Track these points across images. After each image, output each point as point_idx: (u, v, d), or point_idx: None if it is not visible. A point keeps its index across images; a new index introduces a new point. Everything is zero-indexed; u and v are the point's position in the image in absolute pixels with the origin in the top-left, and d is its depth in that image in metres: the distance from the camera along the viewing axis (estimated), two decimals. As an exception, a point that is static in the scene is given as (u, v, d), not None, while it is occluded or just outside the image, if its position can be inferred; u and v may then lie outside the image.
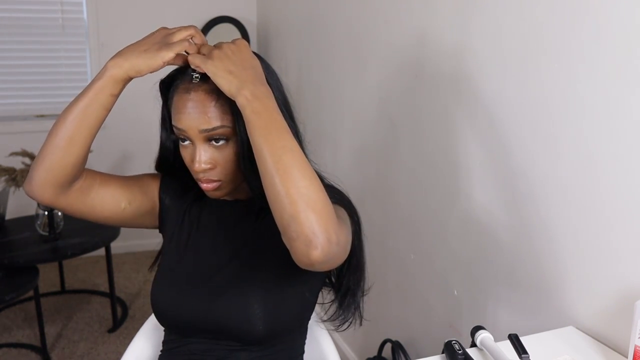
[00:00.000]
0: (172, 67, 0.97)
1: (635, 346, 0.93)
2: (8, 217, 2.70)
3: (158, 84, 1.00)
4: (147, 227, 1.14)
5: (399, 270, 1.92)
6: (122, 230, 2.68)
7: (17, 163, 2.57)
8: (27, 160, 2.54)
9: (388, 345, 1.93)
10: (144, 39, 0.91)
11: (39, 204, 2.49)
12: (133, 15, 3.23)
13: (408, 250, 1.85)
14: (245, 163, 0.93)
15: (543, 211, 1.24)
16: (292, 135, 0.81)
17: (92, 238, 2.57)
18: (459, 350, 0.97)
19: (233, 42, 0.90)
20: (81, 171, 0.97)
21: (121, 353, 1.25)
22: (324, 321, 1.10)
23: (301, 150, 0.81)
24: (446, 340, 1.01)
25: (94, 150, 1.00)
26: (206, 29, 3.34)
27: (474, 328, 1.05)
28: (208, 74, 0.85)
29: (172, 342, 1.08)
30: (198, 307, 1.00)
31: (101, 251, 2.68)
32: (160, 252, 1.15)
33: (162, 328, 1.13)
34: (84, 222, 2.70)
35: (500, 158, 1.37)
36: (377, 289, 1.83)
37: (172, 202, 1.11)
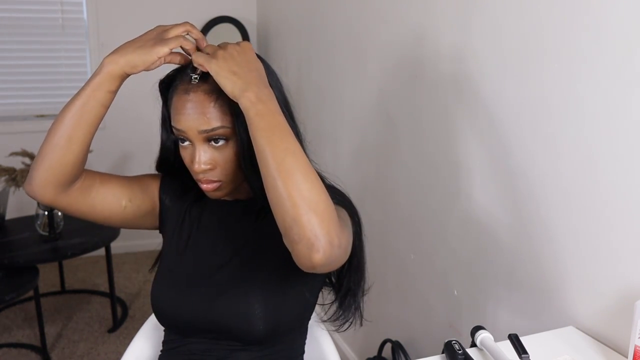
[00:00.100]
0: (171, 67, 0.97)
1: (635, 346, 0.93)
2: (8, 217, 2.70)
3: (158, 84, 1.00)
4: (147, 228, 1.14)
5: (399, 270, 1.92)
6: (122, 230, 2.68)
7: (17, 163, 2.57)
8: (27, 160, 2.54)
9: (388, 345, 1.93)
10: (140, 36, 0.92)
11: (39, 204, 2.49)
12: (133, 15, 3.23)
13: (408, 250, 1.85)
14: (246, 163, 0.93)
15: (543, 211, 1.24)
16: (295, 137, 0.81)
17: (92, 238, 2.57)
18: (459, 350, 0.97)
19: (238, 43, 0.90)
20: (81, 170, 0.97)
21: (121, 353, 1.25)
22: (324, 321, 1.10)
23: (304, 153, 0.81)
24: (446, 340, 1.01)
25: (94, 150, 1.00)
26: (206, 29, 3.34)
27: (474, 328, 1.05)
28: (211, 73, 0.85)
29: (172, 342, 1.08)
30: (198, 307, 1.00)
31: (101, 251, 2.68)
32: (160, 253, 1.15)
33: (162, 328, 1.13)
34: (84, 222, 2.70)
35: (501, 158, 1.37)
36: (377, 289, 1.83)
37: (173, 202, 1.11)
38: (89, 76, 3.45)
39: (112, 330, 2.67)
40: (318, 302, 1.10)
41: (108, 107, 0.93)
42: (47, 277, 3.10)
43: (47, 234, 2.52)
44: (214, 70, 0.84)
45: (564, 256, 1.20)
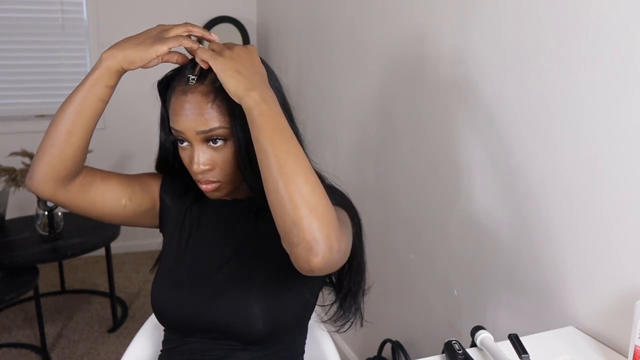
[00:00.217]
0: (171, 67, 0.97)
1: (635, 346, 0.93)
2: (8, 217, 2.70)
3: (156, 84, 1.00)
4: (147, 226, 1.14)
5: (399, 270, 1.92)
6: (122, 230, 2.68)
7: (17, 163, 2.57)
8: (27, 160, 2.54)
9: (388, 345, 1.93)
10: (140, 33, 0.92)
11: (39, 204, 2.49)
12: (133, 15, 3.23)
13: (408, 250, 1.85)
14: (245, 163, 0.93)
15: (543, 211, 1.24)
16: (296, 140, 0.82)
17: (92, 238, 2.57)
18: (459, 350, 0.97)
19: (245, 46, 0.90)
20: (81, 165, 0.97)
21: (121, 353, 1.25)
22: (324, 322, 1.10)
23: (305, 156, 0.81)
24: (446, 340, 1.01)
25: (94, 150, 1.01)
26: (206, 29, 3.33)
27: (474, 328, 1.05)
28: (215, 71, 0.85)
29: (172, 341, 1.08)
30: (198, 307, 1.00)
31: (101, 251, 2.68)
32: (161, 253, 1.15)
33: (162, 328, 1.13)
34: (84, 222, 2.70)
35: (501, 158, 1.37)
36: (377, 289, 1.83)
37: (173, 202, 1.11)
38: (89, 76, 3.38)
39: (112, 330, 2.67)
40: (318, 303, 1.10)
41: (107, 102, 0.93)
42: (47, 277, 3.10)
43: (47, 234, 2.52)
44: (219, 68, 0.84)
45: (564, 256, 1.20)
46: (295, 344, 1.09)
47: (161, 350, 1.12)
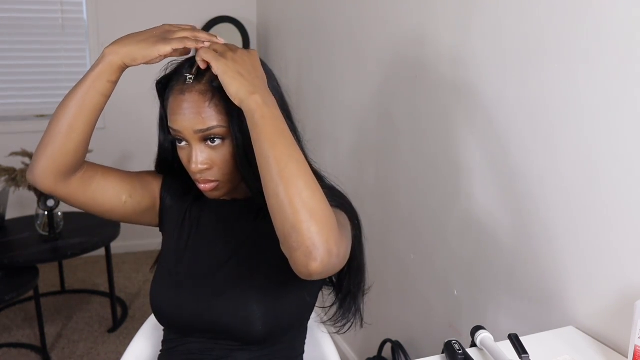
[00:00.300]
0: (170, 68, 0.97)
1: (635, 346, 0.93)
2: (8, 217, 2.70)
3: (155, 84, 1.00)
4: (147, 225, 1.14)
5: (399, 270, 1.92)
6: (122, 230, 2.68)
7: (17, 163, 2.57)
8: (27, 160, 2.54)
9: (388, 345, 1.93)
10: (144, 30, 0.92)
11: (39, 204, 2.49)
12: (133, 15, 3.23)
13: (408, 250, 1.85)
14: (243, 163, 0.93)
15: (543, 211, 1.24)
16: (297, 144, 0.82)
17: (92, 238, 2.57)
18: (459, 350, 0.97)
19: (247, 50, 0.90)
20: (82, 160, 0.98)
21: (121, 353, 1.25)
22: (324, 322, 1.10)
23: (306, 160, 0.81)
24: (446, 340, 1.01)
25: (94, 150, 1.01)
26: (206, 29, 3.34)
27: (474, 328, 1.05)
28: (217, 72, 0.85)
29: (171, 341, 1.08)
30: (197, 307, 1.00)
31: (101, 251, 2.68)
32: (160, 252, 1.15)
33: (162, 328, 1.13)
34: (84, 222, 2.70)
35: (501, 158, 1.37)
36: (377, 289, 1.83)
37: (173, 202, 1.11)
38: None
39: (112, 330, 2.67)
40: (318, 304, 1.10)
41: (108, 97, 0.93)
42: (47, 277, 3.10)
43: (47, 234, 2.52)
44: (221, 70, 0.84)
45: (564, 256, 1.20)
46: (294, 344, 1.09)
47: (161, 350, 1.12)
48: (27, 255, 2.39)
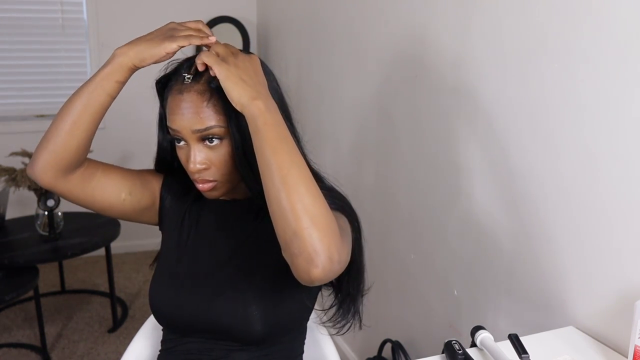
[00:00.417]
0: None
1: (635, 346, 0.93)
2: (8, 217, 2.70)
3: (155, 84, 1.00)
4: (146, 223, 1.14)
5: (399, 270, 1.92)
6: (122, 230, 2.68)
7: (17, 163, 2.57)
8: (27, 160, 2.54)
9: (388, 345, 1.93)
10: (152, 31, 0.93)
11: (39, 204, 2.49)
12: (133, 15, 3.23)
13: (408, 250, 1.85)
14: (242, 163, 0.93)
15: (543, 211, 1.24)
16: (298, 149, 0.82)
17: (92, 238, 2.57)
18: (459, 350, 0.97)
19: (248, 55, 0.91)
20: (83, 158, 0.98)
21: (121, 353, 1.25)
22: (323, 323, 1.10)
23: (307, 166, 0.81)
24: (446, 340, 1.01)
25: (94, 150, 1.01)
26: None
27: (474, 328, 1.05)
28: (219, 77, 0.85)
29: (170, 341, 1.08)
30: (196, 307, 1.00)
31: (101, 251, 2.68)
32: (160, 252, 1.15)
33: (162, 328, 1.13)
34: (84, 222, 2.70)
35: (501, 158, 1.37)
36: (377, 289, 1.83)
37: (173, 201, 1.11)
38: (89, 76, 3.45)
39: (112, 330, 2.67)
40: (318, 306, 1.10)
41: (114, 97, 0.94)
42: (47, 277, 3.10)
43: (47, 234, 2.52)
44: (223, 74, 0.84)
45: (563, 256, 1.20)
46: (294, 344, 1.09)
47: (160, 350, 1.12)
48: (27, 255, 2.39)
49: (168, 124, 0.94)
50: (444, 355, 1.00)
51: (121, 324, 2.72)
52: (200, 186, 0.97)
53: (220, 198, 1.03)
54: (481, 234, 1.47)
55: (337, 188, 1.03)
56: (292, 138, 0.83)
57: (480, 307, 1.50)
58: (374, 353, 2.01)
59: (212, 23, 3.35)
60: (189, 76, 0.91)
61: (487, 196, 1.43)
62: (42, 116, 3.26)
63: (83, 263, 3.32)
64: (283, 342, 1.05)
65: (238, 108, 0.83)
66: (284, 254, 0.79)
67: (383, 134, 1.97)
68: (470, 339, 1.05)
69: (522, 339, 1.03)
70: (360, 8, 2.08)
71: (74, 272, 3.24)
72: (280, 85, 1.00)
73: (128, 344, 1.26)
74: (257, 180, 0.83)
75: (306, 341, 1.14)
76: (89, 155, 1.01)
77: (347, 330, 1.08)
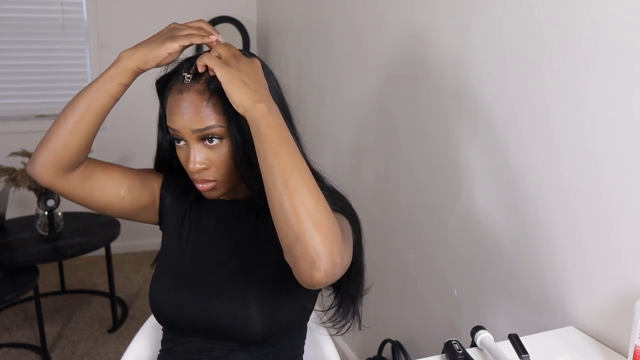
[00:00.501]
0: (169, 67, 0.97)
1: (635, 346, 0.93)
2: (8, 217, 2.70)
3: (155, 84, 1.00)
4: (146, 222, 1.14)
5: (399, 270, 1.92)
6: (122, 230, 2.68)
7: (17, 163, 2.57)
8: (27, 160, 2.54)
9: (388, 345, 1.93)
10: (156, 33, 0.94)
11: (39, 204, 2.49)
12: (133, 15, 3.23)
13: (408, 250, 1.85)
14: (242, 162, 0.93)
15: (543, 211, 1.24)
16: (299, 152, 0.82)
17: (92, 238, 2.57)
18: (459, 350, 0.97)
19: (250, 59, 0.90)
20: (83, 158, 0.98)
21: (121, 353, 1.25)
22: (323, 323, 1.10)
23: (308, 169, 0.81)
24: (446, 340, 1.01)
25: (94, 151, 1.01)
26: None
27: (474, 328, 1.05)
28: (220, 80, 0.84)
29: (170, 341, 1.08)
30: (196, 307, 1.00)
31: (101, 251, 2.68)
32: (160, 252, 1.14)
33: (162, 327, 1.13)
34: (84, 222, 2.70)
35: (501, 158, 1.37)
36: (377, 289, 1.83)
37: (173, 201, 1.11)
38: (89, 76, 3.44)
39: (112, 330, 2.67)
40: (318, 306, 1.10)
41: (117, 99, 0.94)
42: (47, 277, 3.10)
43: (47, 234, 2.52)
44: (225, 77, 0.84)
45: (563, 256, 1.20)
46: (294, 344, 1.09)
47: (160, 350, 1.12)
48: (27, 255, 2.39)
49: (168, 123, 0.94)
50: (444, 355, 1.00)
51: (121, 324, 2.72)
52: (200, 186, 0.97)
53: (220, 198, 1.03)
54: (481, 234, 1.47)
55: (337, 188, 1.03)
56: (293, 140, 0.83)
57: (480, 307, 1.50)
58: (374, 353, 2.01)
59: (212, 23, 3.35)
60: (188, 76, 0.92)
61: (487, 196, 1.43)
62: (42, 116, 3.26)
63: (83, 263, 3.32)
64: (283, 342, 1.05)
65: (240, 111, 0.83)
66: (286, 257, 0.79)
67: (383, 134, 1.97)
68: (470, 339, 1.05)
69: (522, 339, 1.03)
70: (360, 8, 2.08)
71: (74, 272, 3.24)
72: (280, 86, 1.00)
73: (128, 344, 1.26)
74: (257, 180, 0.83)
75: (306, 341, 1.14)
76: (89, 155, 1.01)
77: (347, 330, 1.08)
